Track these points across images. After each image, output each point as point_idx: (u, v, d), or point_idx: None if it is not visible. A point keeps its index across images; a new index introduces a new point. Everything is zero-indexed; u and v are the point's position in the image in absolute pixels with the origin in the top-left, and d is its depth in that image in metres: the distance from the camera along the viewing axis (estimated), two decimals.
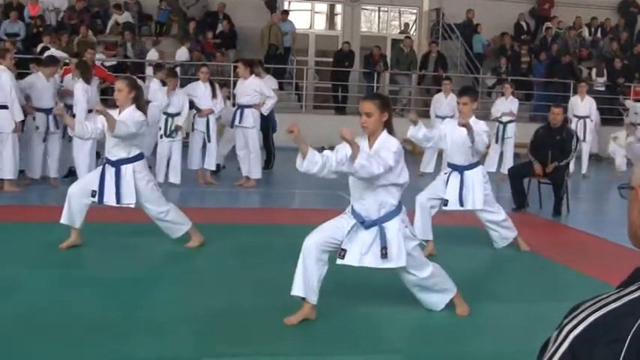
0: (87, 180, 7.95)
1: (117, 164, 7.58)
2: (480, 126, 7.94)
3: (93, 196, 7.62)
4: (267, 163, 14.73)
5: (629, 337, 1.41)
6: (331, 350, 5.40)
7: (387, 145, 5.60)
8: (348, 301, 6.40)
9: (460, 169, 8.05)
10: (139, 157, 7.72)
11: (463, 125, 7.65)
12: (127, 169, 7.58)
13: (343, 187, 12.28)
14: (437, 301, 6.04)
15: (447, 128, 8.24)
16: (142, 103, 7.75)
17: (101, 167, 7.71)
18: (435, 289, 5.98)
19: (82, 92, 11.25)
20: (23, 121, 11.33)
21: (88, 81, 11.46)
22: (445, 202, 8.10)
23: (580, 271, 7.90)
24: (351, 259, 5.67)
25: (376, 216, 5.66)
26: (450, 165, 8.20)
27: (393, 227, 5.64)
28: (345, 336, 5.63)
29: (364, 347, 5.47)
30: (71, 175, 11.70)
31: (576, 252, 8.97)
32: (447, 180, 8.10)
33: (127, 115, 7.46)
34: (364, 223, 5.67)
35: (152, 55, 18.99)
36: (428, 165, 15.25)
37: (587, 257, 8.65)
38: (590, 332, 1.46)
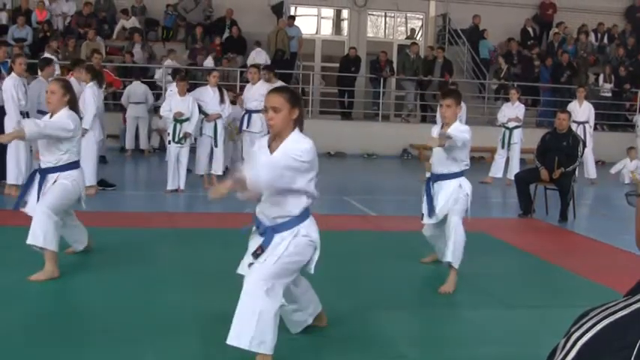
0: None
1: (44, 172, 7.06)
2: (459, 127, 7.24)
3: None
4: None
5: (638, 345, 1.41)
6: (338, 356, 5.41)
7: (298, 146, 4.91)
8: (354, 307, 6.41)
9: (437, 178, 7.41)
10: (71, 166, 7.08)
11: (440, 145, 7.04)
12: (53, 178, 7.03)
13: (349, 192, 12.27)
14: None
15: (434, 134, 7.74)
16: (76, 107, 7.31)
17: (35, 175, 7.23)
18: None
19: (92, 96, 11.28)
20: None
21: (100, 85, 11.52)
22: (422, 216, 7.64)
23: (586, 277, 7.90)
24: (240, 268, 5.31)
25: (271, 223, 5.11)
26: (432, 174, 7.52)
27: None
28: (351, 342, 5.64)
29: (370, 352, 5.48)
30: None
31: (582, 258, 8.97)
32: (425, 191, 7.55)
33: (57, 118, 7.03)
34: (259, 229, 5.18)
35: (169, 63, 18.96)
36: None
37: (593, 263, 8.64)
38: (598, 340, 1.46)
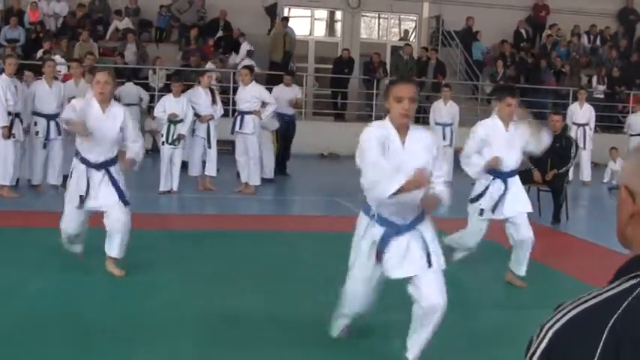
0: None
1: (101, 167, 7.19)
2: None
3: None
4: (283, 169, 14.82)
5: (606, 330, 1.44)
6: (331, 358, 5.41)
7: (427, 133, 5.12)
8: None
9: (509, 175, 7.41)
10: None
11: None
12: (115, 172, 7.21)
13: (341, 193, 12.26)
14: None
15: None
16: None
17: None
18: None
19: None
20: (10, 127, 11.11)
21: None
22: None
23: (578, 278, 7.91)
24: (395, 272, 5.02)
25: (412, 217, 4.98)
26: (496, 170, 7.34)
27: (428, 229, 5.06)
28: (348, 344, 5.63)
29: (372, 356, 5.47)
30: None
31: (575, 259, 8.98)
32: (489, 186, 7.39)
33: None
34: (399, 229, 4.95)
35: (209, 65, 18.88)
36: None
37: (586, 264, 8.66)
38: (569, 328, 1.49)
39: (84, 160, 7.06)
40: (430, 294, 4.90)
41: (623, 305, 1.46)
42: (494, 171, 7.20)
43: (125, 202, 7.18)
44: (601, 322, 1.46)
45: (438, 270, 4.95)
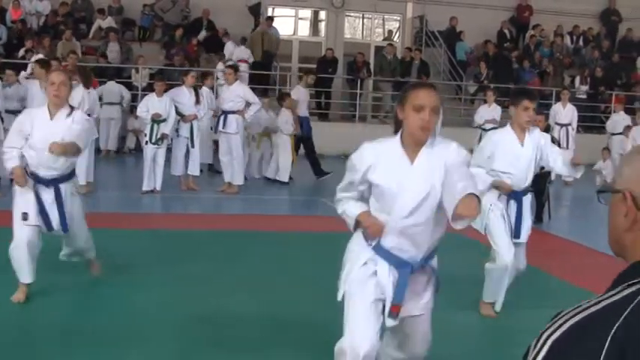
0: None
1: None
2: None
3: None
4: (319, 170, 14.83)
5: (609, 339, 1.40)
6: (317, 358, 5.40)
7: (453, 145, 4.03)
8: (332, 310, 6.39)
9: (522, 194, 6.63)
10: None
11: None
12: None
13: (325, 193, 12.22)
14: None
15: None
16: None
17: None
18: None
19: (81, 98, 11.18)
20: None
21: (87, 86, 11.38)
22: None
23: (560, 277, 7.94)
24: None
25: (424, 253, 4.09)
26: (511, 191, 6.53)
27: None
28: (330, 345, 5.63)
29: None
30: None
31: (557, 259, 9.01)
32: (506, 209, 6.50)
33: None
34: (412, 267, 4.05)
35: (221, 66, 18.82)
36: None
37: (568, 264, 8.69)
38: (570, 336, 1.45)
39: (32, 175, 6.15)
40: (416, 342, 4.26)
41: (625, 313, 1.43)
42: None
43: (64, 229, 6.30)
44: (603, 331, 1.42)
45: (429, 313, 4.22)
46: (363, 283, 4.02)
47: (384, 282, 4.00)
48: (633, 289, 1.47)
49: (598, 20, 24.81)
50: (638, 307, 1.43)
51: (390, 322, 4.04)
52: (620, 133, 16.62)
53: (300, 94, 14.80)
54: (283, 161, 13.81)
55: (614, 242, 1.61)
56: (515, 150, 6.33)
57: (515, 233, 6.40)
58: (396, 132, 4.04)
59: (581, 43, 24.19)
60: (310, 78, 15.73)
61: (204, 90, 13.58)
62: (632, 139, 14.95)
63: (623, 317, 1.42)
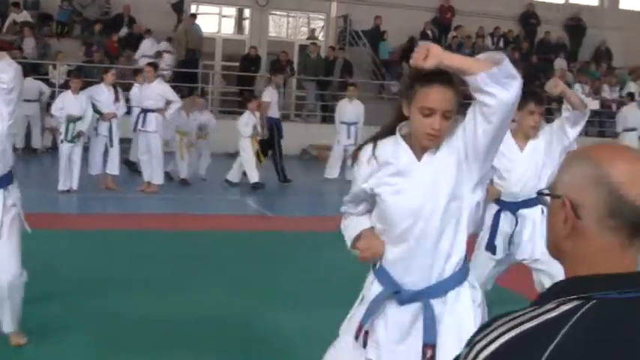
0: None
1: None
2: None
3: None
4: (284, 176, 14.64)
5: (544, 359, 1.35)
6: (238, 356, 5.34)
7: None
8: (252, 308, 6.33)
9: (521, 206, 5.73)
10: None
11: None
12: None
13: (246, 192, 12.05)
14: None
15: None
16: None
17: None
18: None
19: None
20: None
21: None
22: None
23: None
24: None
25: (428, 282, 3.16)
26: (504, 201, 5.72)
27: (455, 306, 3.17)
28: (251, 342, 5.56)
29: (268, 353, 5.41)
30: None
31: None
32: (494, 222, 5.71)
33: None
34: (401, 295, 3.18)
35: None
36: (332, 171, 15.31)
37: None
38: (503, 353, 1.39)
39: None
40: None
41: (563, 331, 1.38)
42: (502, 201, 5.66)
43: None
44: (538, 350, 1.36)
45: None
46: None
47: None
48: (570, 305, 1.42)
49: (518, 23, 25.34)
50: (574, 328, 1.38)
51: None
52: None
53: (272, 95, 14.69)
54: (245, 164, 13.55)
55: (553, 247, 1.57)
56: (513, 156, 5.52)
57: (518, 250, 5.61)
58: (393, 126, 3.20)
59: (501, 44, 24.62)
60: (279, 78, 15.62)
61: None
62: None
63: (560, 336, 1.37)
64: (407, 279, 3.12)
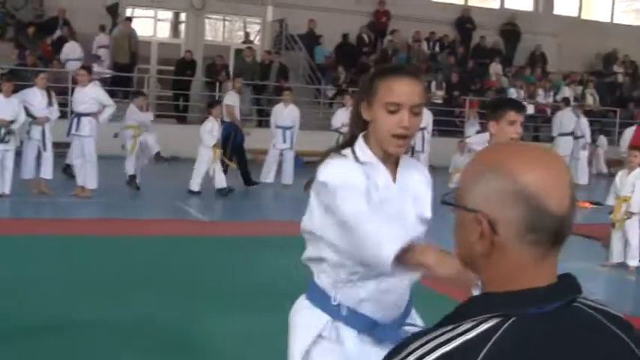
0: None
1: None
2: None
3: None
4: (248, 179, 14.65)
5: None
6: None
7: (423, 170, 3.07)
8: (191, 313, 6.33)
9: None
10: None
11: None
12: None
13: (181, 197, 12.02)
14: None
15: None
16: None
17: None
18: None
19: None
20: None
21: None
22: None
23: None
24: None
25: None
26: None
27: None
28: (188, 350, 5.57)
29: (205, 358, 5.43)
30: None
31: None
32: None
33: None
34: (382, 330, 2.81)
35: None
36: (268, 175, 15.35)
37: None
38: None
39: None
40: None
41: (483, 353, 1.30)
42: None
43: None
44: None
45: None
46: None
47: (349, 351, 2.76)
48: (489, 324, 1.34)
49: (453, 27, 25.62)
50: (494, 348, 1.31)
51: None
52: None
53: (235, 99, 14.65)
54: (195, 171, 13.41)
55: (464, 257, 1.47)
56: None
57: None
58: (351, 140, 2.77)
59: (437, 49, 24.90)
60: (238, 82, 15.62)
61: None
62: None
63: (480, 358, 1.30)
64: (380, 314, 2.76)
